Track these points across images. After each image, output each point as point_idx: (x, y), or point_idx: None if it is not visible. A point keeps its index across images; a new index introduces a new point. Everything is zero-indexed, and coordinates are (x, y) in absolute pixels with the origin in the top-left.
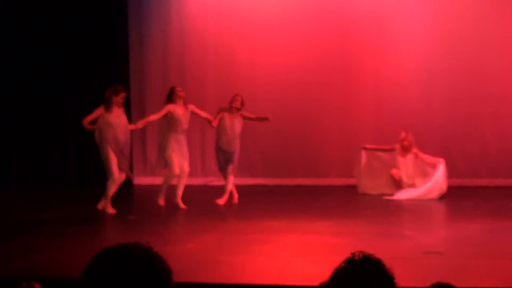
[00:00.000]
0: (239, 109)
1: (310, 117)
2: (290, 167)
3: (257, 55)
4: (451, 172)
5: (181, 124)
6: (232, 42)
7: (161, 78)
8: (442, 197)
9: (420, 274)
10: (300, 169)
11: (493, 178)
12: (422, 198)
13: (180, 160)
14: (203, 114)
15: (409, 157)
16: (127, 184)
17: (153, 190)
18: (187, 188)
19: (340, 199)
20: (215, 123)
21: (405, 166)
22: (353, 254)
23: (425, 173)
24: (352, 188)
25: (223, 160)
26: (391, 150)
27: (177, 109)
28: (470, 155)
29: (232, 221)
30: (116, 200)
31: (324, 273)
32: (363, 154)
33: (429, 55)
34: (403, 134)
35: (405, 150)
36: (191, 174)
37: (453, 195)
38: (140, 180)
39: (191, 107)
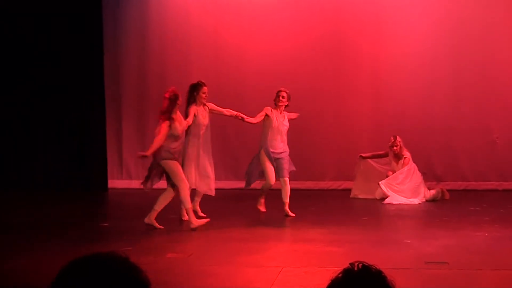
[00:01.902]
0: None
1: (302, 112)
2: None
3: (243, 43)
4: (456, 174)
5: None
6: (216, 29)
7: (138, 72)
8: (446, 201)
9: (423, 286)
10: (293, 173)
11: (502, 181)
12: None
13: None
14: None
15: (400, 163)
16: (101, 188)
17: (129, 194)
18: None
19: (335, 204)
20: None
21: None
22: (351, 264)
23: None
24: (348, 192)
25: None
26: (386, 155)
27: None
28: (477, 155)
29: (217, 228)
30: (88, 205)
31: (318, 285)
32: (360, 163)
33: (433, 41)
34: (391, 139)
35: (397, 156)
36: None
37: (458, 199)
38: (115, 183)
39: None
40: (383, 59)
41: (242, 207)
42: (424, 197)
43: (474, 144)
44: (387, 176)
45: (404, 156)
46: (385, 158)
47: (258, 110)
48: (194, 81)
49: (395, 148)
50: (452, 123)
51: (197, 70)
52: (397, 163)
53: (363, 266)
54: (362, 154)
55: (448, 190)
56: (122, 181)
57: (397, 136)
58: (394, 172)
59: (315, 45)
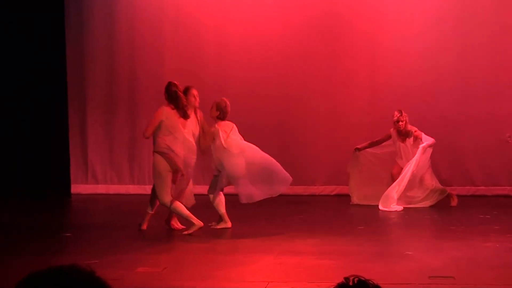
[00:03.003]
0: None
1: (291, 106)
2: None
3: (223, 25)
4: (464, 178)
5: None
6: (193, 9)
7: (105, 63)
8: (453, 208)
9: None
10: None
11: None
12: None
13: None
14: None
15: (409, 142)
16: (63, 193)
17: (94, 200)
18: (139, 198)
19: (327, 212)
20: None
21: (406, 152)
22: (346, 279)
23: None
24: (342, 197)
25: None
26: (387, 138)
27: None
28: (487, 157)
29: (195, 239)
30: (48, 213)
31: None
32: (357, 157)
33: (438, 25)
34: (396, 114)
35: (402, 133)
36: (143, 181)
37: (466, 206)
38: (78, 188)
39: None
40: (381, 44)
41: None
42: (431, 187)
43: (483, 144)
44: (392, 176)
45: (414, 130)
46: (384, 143)
47: (240, 103)
48: (168, 73)
49: (400, 123)
50: (459, 120)
51: (171, 60)
52: (404, 141)
53: (359, 281)
54: (358, 146)
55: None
56: (87, 185)
57: (402, 111)
58: (398, 163)
59: (306, 28)
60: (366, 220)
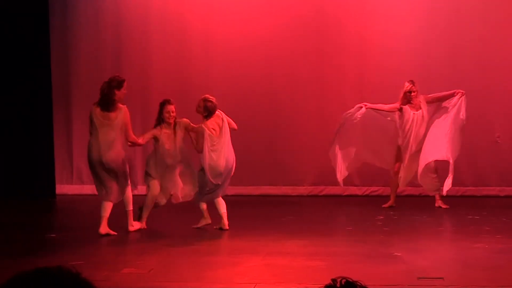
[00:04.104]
0: None
1: (279, 105)
2: (254, 172)
3: (209, 25)
4: (453, 179)
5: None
6: (180, 10)
7: (90, 60)
8: (441, 209)
9: None
10: (266, 175)
11: (504, 186)
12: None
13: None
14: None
15: (420, 114)
16: (48, 194)
17: (80, 201)
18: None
19: (315, 212)
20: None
21: (417, 124)
22: (333, 280)
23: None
24: (331, 198)
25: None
26: (394, 110)
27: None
28: (476, 157)
29: (181, 240)
30: (33, 214)
31: None
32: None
33: (428, 23)
34: (407, 85)
35: (414, 105)
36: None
37: (456, 207)
38: (64, 189)
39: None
40: (371, 43)
41: (210, 216)
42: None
43: (472, 144)
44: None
45: (425, 96)
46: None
47: (227, 103)
48: (154, 73)
49: (413, 94)
50: None
51: (157, 60)
52: (416, 111)
53: (347, 282)
54: (366, 104)
55: (444, 196)
56: (72, 186)
57: (414, 81)
58: (408, 127)
59: (295, 27)
60: (355, 221)
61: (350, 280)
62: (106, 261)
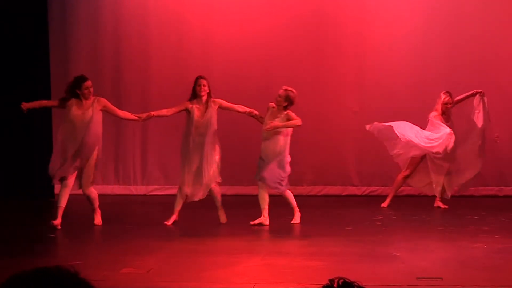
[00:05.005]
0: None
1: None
2: (254, 172)
3: (209, 25)
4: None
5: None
6: (180, 10)
7: (90, 61)
8: (440, 209)
9: None
10: None
11: (503, 186)
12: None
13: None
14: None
15: (450, 125)
16: (47, 194)
17: (78, 201)
18: (125, 198)
19: (314, 212)
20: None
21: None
22: (331, 280)
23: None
24: (330, 198)
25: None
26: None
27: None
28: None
29: (181, 240)
30: (32, 214)
31: None
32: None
33: (426, 25)
34: (444, 96)
35: (447, 116)
36: (131, 182)
37: (455, 207)
38: None
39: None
40: (369, 43)
41: (209, 215)
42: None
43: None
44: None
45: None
46: None
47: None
48: (153, 72)
49: (449, 106)
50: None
51: (156, 59)
52: (448, 122)
53: (344, 282)
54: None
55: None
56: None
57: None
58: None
59: (293, 27)
60: (354, 221)
61: (348, 280)
62: (105, 261)
